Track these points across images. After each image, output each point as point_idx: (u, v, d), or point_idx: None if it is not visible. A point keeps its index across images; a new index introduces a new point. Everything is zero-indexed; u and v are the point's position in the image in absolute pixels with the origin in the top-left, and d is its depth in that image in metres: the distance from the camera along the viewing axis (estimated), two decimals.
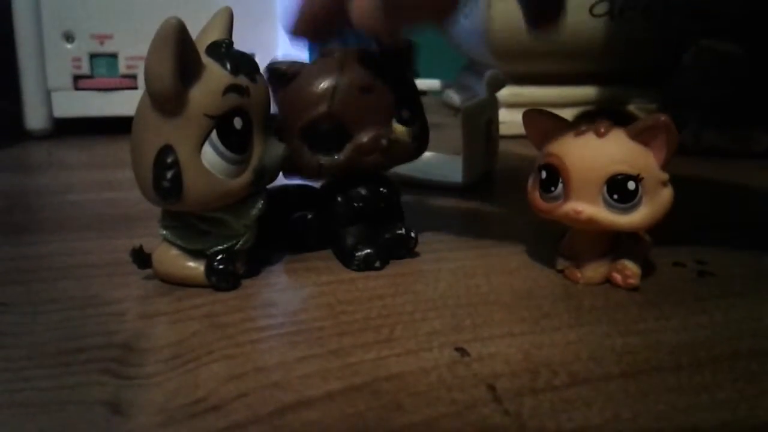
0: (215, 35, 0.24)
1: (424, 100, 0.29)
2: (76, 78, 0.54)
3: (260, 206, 0.24)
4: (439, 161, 0.41)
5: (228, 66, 0.22)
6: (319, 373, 0.18)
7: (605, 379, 0.18)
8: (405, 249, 0.27)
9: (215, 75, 0.22)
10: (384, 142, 0.26)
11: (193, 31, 0.22)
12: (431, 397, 0.17)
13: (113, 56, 0.54)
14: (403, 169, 0.28)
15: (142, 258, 0.25)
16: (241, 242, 0.24)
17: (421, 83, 0.62)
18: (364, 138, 0.26)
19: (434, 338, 0.21)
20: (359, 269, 0.26)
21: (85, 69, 0.54)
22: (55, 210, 0.36)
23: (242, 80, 0.23)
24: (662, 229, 0.24)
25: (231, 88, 0.22)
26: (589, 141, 0.23)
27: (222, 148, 0.23)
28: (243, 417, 0.17)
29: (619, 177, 0.22)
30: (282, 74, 0.26)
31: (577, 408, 0.17)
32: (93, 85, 0.54)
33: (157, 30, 0.21)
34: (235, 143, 0.23)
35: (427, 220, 0.33)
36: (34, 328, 0.21)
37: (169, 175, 0.22)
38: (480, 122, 0.38)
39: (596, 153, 0.23)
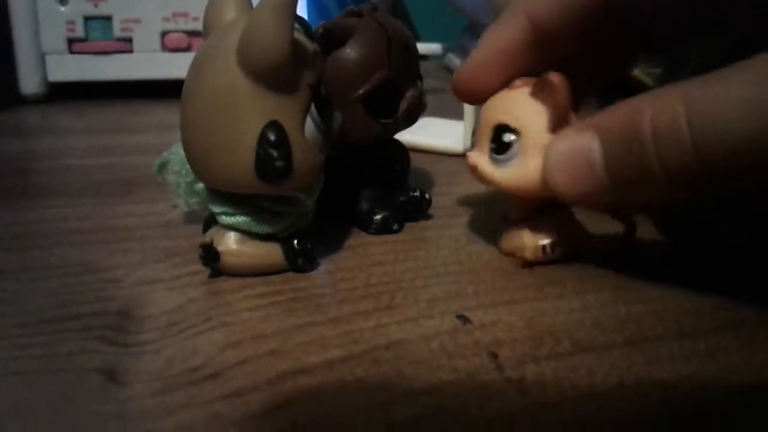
0: (231, 7, 0.22)
1: (425, 64, 0.28)
2: (71, 41, 0.53)
3: (323, 179, 0.23)
4: (440, 127, 0.41)
5: (305, 31, 0.21)
6: (318, 341, 0.18)
7: (609, 347, 0.18)
8: (419, 211, 0.27)
9: (303, 42, 0.21)
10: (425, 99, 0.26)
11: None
12: (432, 364, 0.17)
13: (108, 19, 0.53)
14: (404, 134, 0.27)
15: (213, 255, 0.22)
16: (310, 219, 0.23)
17: (422, 47, 0.61)
18: (412, 97, 0.26)
19: (435, 305, 0.20)
20: (377, 233, 0.26)
21: (79, 32, 0.53)
22: (50, 175, 0.35)
23: (316, 46, 0.21)
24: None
25: (316, 55, 0.21)
26: (501, 94, 0.23)
27: (318, 119, 0.21)
28: (241, 384, 0.16)
29: (499, 126, 0.22)
30: (336, 38, 0.24)
31: (580, 376, 0.17)
32: (87, 48, 0.53)
33: None
34: (324, 112, 0.21)
35: (429, 186, 0.32)
36: (29, 295, 0.21)
37: (280, 153, 0.20)
38: None
39: (492, 103, 0.23)
